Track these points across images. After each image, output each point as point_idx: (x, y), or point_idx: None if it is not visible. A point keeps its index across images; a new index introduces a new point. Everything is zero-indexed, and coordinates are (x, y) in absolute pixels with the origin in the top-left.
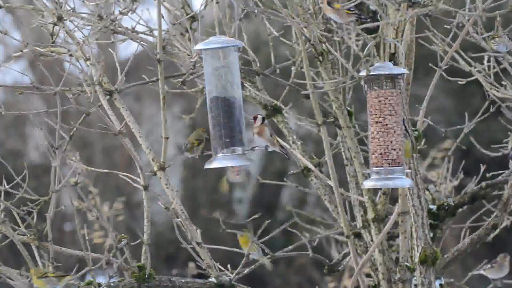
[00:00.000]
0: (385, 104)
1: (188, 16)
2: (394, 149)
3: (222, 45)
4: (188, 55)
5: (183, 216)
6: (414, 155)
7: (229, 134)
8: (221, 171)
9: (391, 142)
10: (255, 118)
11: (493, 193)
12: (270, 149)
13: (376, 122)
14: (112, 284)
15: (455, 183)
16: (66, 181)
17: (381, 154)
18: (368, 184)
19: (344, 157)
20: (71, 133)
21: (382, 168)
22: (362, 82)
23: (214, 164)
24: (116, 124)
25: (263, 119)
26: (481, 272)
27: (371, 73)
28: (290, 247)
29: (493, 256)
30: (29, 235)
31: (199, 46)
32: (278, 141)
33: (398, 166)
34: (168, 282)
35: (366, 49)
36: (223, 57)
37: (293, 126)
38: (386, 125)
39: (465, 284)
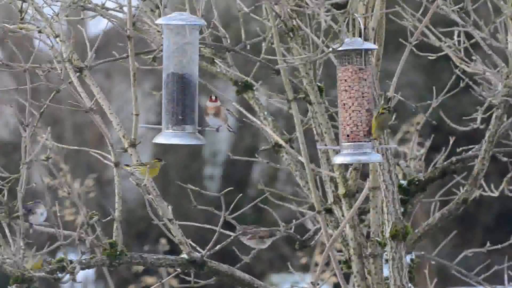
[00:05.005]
0: (341, 79)
1: None
2: (348, 125)
3: (183, 22)
4: (158, 31)
5: (154, 193)
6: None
7: (182, 111)
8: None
9: (345, 117)
10: (216, 98)
11: (464, 167)
12: (221, 128)
13: (338, 98)
14: (83, 260)
15: (422, 151)
16: (36, 156)
17: (340, 129)
18: (336, 159)
19: (315, 133)
20: (41, 110)
21: (344, 143)
22: (333, 58)
23: (162, 139)
24: (86, 101)
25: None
26: None
27: (339, 49)
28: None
29: (463, 230)
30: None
31: (160, 21)
32: (232, 115)
33: (355, 141)
34: (139, 258)
35: (337, 26)
36: (184, 34)
37: (263, 102)
38: (342, 100)
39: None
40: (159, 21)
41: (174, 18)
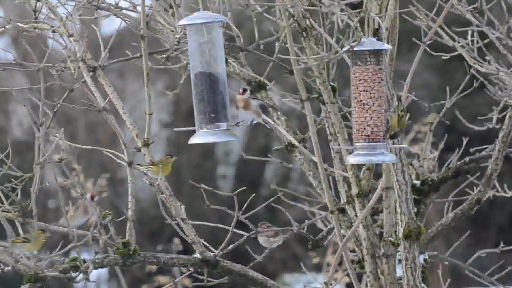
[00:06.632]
0: (360, 80)
1: None
2: (369, 125)
3: (206, 20)
4: (172, 31)
5: (167, 192)
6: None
7: (214, 109)
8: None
9: (365, 118)
10: (244, 90)
11: (477, 167)
12: (255, 122)
13: (355, 98)
14: (97, 260)
15: (435, 154)
16: (50, 157)
17: (357, 129)
18: (350, 160)
19: (328, 132)
20: (55, 110)
21: (359, 143)
22: (346, 58)
23: (198, 139)
24: (99, 101)
25: (250, 91)
26: None
27: (356, 49)
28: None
29: (477, 230)
30: (13, 211)
31: (183, 22)
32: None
33: (375, 141)
34: (153, 258)
35: (353, 25)
36: (208, 32)
37: (277, 102)
38: (361, 100)
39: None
40: (182, 21)
41: (196, 18)
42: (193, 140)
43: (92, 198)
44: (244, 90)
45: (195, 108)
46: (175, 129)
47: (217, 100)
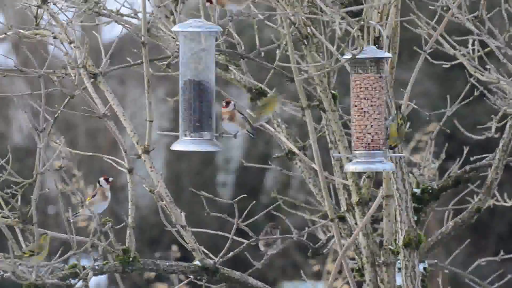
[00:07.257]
0: (361, 87)
1: None
2: (369, 133)
3: (200, 29)
4: (173, 37)
5: (168, 199)
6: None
7: (199, 118)
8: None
9: (366, 126)
10: (228, 103)
11: (477, 176)
12: (239, 134)
13: (354, 106)
14: (96, 267)
15: (437, 164)
16: (51, 165)
17: (357, 137)
18: (349, 167)
19: (328, 140)
20: (55, 116)
21: (358, 151)
22: (347, 65)
23: (179, 146)
24: (100, 107)
25: (234, 104)
26: None
27: (357, 57)
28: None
29: (477, 239)
30: (13, 217)
31: (176, 28)
32: (249, 122)
33: (375, 149)
34: (152, 265)
35: (353, 32)
36: (200, 41)
37: (277, 109)
38: (361, 108)
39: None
40: (175, 28)
41: (190, 25)
42: (175, 146)
43: (106, 180)
44: (228, 103)
45: (181, 114)
46: (157, 132)
47: (203, 109)
